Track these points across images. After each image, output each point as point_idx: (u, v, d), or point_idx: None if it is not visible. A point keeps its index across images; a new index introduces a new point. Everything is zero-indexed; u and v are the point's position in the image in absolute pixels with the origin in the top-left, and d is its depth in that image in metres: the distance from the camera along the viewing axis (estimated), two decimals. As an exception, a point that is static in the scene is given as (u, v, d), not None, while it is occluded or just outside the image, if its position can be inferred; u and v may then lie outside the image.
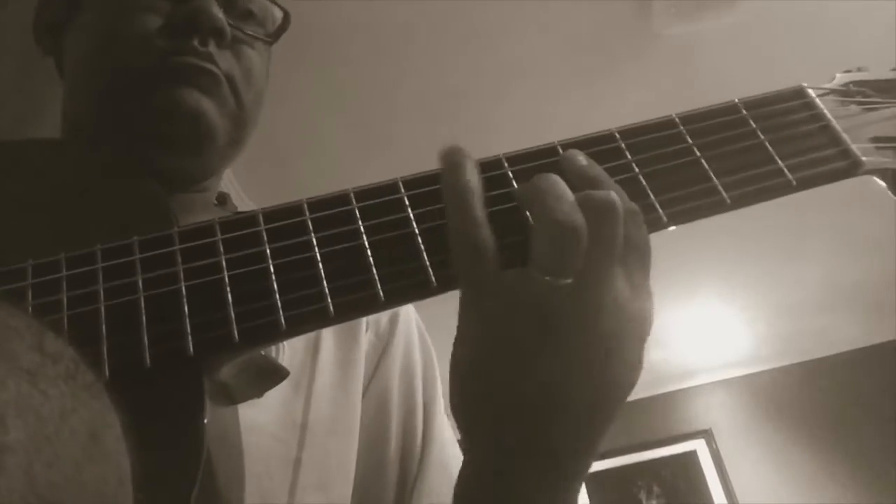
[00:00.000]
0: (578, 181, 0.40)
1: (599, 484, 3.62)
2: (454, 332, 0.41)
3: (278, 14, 0.62)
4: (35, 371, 0.22)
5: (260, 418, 0.50)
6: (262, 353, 0.45)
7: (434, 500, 0.57)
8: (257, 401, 0.47)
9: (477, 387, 0.40)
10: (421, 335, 0.67)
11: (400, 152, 2.36)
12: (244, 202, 2.25)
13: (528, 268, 0.37)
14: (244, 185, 2.23)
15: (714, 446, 3.59)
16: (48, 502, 0.21)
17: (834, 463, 3.36)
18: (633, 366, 0.40)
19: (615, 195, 0.38)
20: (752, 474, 3.46)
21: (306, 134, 2.21)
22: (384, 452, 0.59)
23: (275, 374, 0.45)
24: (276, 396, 0.48)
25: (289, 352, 0.56)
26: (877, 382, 3.41)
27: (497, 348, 0.39)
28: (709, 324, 3.48)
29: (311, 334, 0.59)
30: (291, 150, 2.23)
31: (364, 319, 0.62)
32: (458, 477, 0.44)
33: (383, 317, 0.64)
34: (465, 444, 0.43)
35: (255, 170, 2.06)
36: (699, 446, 3.62)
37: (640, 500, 3.58)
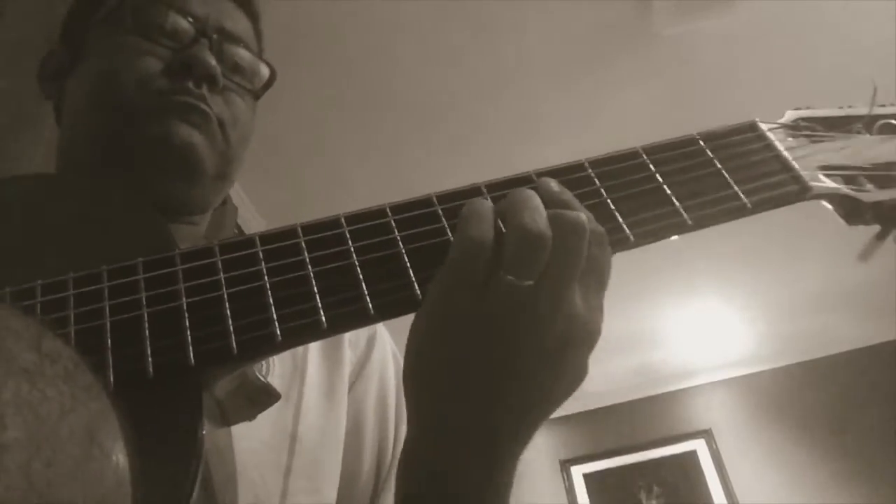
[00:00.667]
0: (551, 204, 0.44)
1: (599, 484, 3.63)
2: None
3: (265, 71, 0.68)
4: (33, 371, 0.22)
5: (253, 428, 0.52)
6: (257, 374, 0.48)
7: None
8: None
9: (430, 363, 0.43)
10: (395, 357, 0.72)
11: (399, 151, 2.37)
12: (243, 201, 2.25)
13: (497, 268, 0.41)
14: (243, 185, 2.23)
15: (714, 446, 3.59)
16: (47, 500, 0.21)
17: (834, 463, 3.36)
18: (577, 372, 0.43)
19: (584, 216, 0.42)
20: (752, 474, 3.47)
21: (305, 133, 2.21)
22: (358, 464, 0.63)
23: (267, 397, 0.48)
24: (268, 409, 0.51)
25: (278, 369, 0.60)
26: (877, 382, 3.41)
27: (455, 333, 0.42)
28: (709, 324, 3.48)
29: (299, 355, 0.63)
30: (290, 149, 2.23)
31: (346, 339, 0.67)
32: (402, 450, 0.47)
33: (362, 338, 0.69)
34: (409, 417, 0.46)
35: (254, 169, 2.07)
36: (699, 446, 3.62)
37: (640, 500, 3.59)
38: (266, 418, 0.52)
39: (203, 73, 0.60)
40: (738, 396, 3.75)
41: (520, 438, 0.44)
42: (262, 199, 2.32)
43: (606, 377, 3.51)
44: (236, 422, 0.48)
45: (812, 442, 3.45)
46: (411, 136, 2.32)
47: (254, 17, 0.70)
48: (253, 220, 2.39)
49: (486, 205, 0.43)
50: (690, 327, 3.47)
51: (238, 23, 0.67)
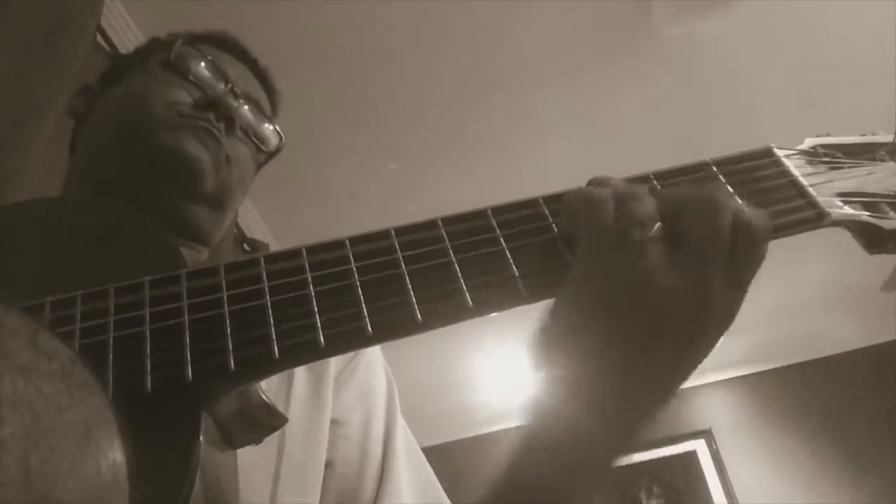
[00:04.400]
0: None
1: (599, 484, 3.62)
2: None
3: (274, 140, 0.75)
4: (30, 367, 0.22)
5: None
6: (262, 396, 0.48)
7: (403, 501, 0.64)
8: None
9: (581, 338, 0.43)
10: (384, 365, 0.74)
11: (398, 151, 2.36)
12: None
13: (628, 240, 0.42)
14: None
15: (714, 446, 3.59)
16: (44, 496, 0.21)
17: (833, 463, 3.36)
18: (708, 348, 0.45)
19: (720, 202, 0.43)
20: (752, 474, 3.46)
21: (304, 134, 2.21)
22: (334, 465, 0.64)
23: (273, 420, 0.49)
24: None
25: (266, 383, 0.60)
26: (876, 383, 3.41)
27: (602, 308, 0.42)
28: (709, 324, 3.47)
29: None
30: (290, 150, 2.23)
31: None
32: (522, 436, 0.47)
33: None
34: (541, 395, 0.45)
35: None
36: (699, 446, 3.62)
37: (640, 500, 3.58)
38: None
39: (225, 113, 0.66)
40: (738, 396, 3.75)
41: (650, 413, 0.46)
42: (261, 199, 2.32)
43: (606, 377, 3.51)
44: (241, 445, 0.49)
45: (812, 442, 3.45)
46: (410, 137, 2.32)
47: (274, 105, 0.78)
48: (252, 220, 2.39)
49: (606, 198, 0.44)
50: (690, 327, 3.47)
51: (261, 96, 0.74)
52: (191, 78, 0.68)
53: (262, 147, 0.73)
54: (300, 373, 0.65)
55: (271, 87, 0.77)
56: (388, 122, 2.25)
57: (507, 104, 2.25)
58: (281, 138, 0.76)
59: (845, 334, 3.57)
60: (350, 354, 0.70)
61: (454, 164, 2.34)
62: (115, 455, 0.25)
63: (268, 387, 0.59)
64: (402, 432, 0.69)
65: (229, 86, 0.69)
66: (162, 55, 0.69)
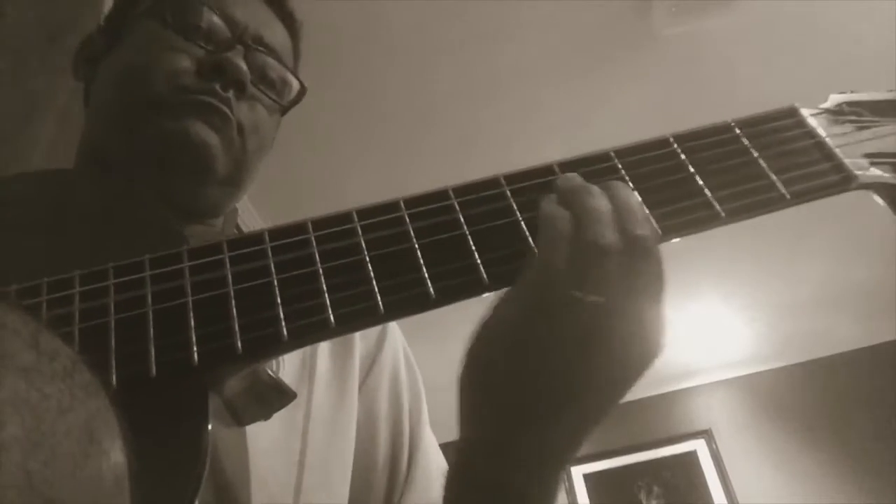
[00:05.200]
0: (620, 212, 0.43)
1: (599, 484, 3.62)
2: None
3: (295, 86, 0.68)
4: (31, 369, 0.22)
5: (265, 427, 0.52)
6: (269, 372, 0.47)
7: (422, 500, 0.62)
8: None
9: (494, 377, 0.43)
10: (406, 354, 0.71)
11: (398, 150, 2.36)
12: (242, 201, 2.25)
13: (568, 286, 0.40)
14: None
15: (714, 446, 3.59)
16: (45, 498, 0.21)
17: (834, 463, 3.36)
18: (625, 393, 0.43)
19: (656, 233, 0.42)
20: (752, 474, 3.46)
21: (304, 134, 2.21)
22: (373, 456, 0.63)
23: (280, 396, 0.47)
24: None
25: (288, 367, 0.59)
26: (877, 382, 3.41)
27: (526, 352, 0.41)
28: (709, 324, 3.48)
29: (308, 348, 0.62)
30: (289, 150, 2.23)
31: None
32: (454, 457, 0.48)
33: (373, 331, 0.68)
34: (462, 425, 0.46)
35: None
36: (699, 446, 3.62)
37: (640, 500, 3.58)
38: (277, 416, 0.52)
39: (233, 78, 0.60)
40: (738, 396, 3.75)
41: (568, 456, 0.45)
42: (260, 200, 2.32)
43: (606, 377, 3.51)
44: (250, 422, 0.48)
45: (812, 442, 3.45)
46: (410, 136, 2.32)
47: (294, 33, 0.71)
48: (252, 220, 2.39)
49: (565, 220, 0.41)
50: (690, 327, 3.47)
51: (276, 35, 0.67)
52: (191, 36, 0.61)
53: (278, 101, 0.67)
54: (323, 360, 0.63)
55: (289, 16, 0.70)
56: (388, 123, 2.25)
57: (507, 104, 2.25)
58: (301, 85, 0.69)
59: (845, 334, 3.57)
60: (373, 343, 0.68)
61: (455, 164, 2.33)
62: (116, 457, 0.25)
63: (288, 374, 0.58)
64: (427, 429, 0.67)
65: (238, 34, 0.63)
66: (160, 8, 0.63)
